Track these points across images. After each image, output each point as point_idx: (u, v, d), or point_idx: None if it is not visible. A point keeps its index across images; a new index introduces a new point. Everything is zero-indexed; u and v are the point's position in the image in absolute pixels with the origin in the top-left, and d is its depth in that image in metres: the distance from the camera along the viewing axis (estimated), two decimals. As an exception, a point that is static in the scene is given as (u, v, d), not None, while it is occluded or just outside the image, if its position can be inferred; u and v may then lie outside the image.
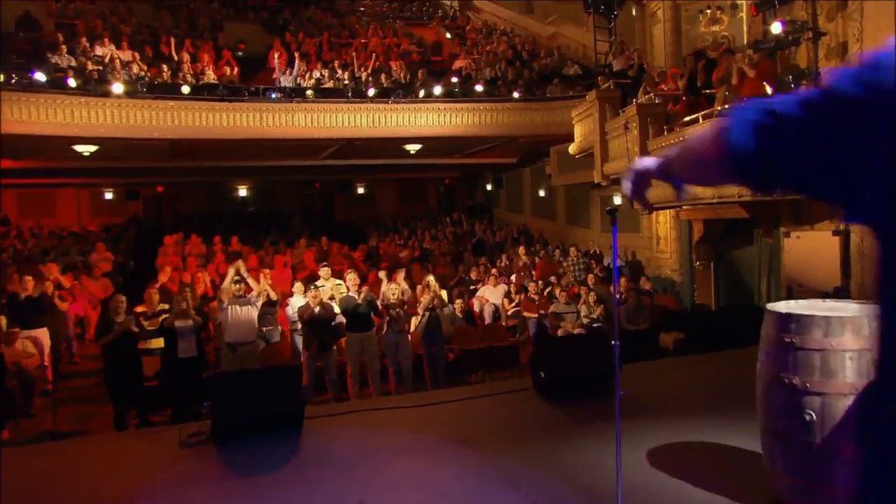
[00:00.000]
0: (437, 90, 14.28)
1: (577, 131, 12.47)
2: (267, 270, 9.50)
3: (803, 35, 6.94)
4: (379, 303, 7.86)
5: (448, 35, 20.02)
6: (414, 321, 8.36)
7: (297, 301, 8.26)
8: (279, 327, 8.56)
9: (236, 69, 14.50)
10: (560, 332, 9.49)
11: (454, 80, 15.04)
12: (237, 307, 7.30)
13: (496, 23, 20.91)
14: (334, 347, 7.84)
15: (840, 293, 6.89)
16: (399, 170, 19.53)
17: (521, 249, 13.41)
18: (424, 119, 13.92)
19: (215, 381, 5.52)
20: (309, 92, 13.29)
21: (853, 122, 0.77)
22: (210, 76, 13.19)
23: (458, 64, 16.55)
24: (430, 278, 8.27)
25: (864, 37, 6.75)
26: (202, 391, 6.52)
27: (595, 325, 9.57)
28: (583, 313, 9.80)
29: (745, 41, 10.42)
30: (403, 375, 7.90)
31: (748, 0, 10.72)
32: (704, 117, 7.98)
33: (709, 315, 9.88)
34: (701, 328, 8.58)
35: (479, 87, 14.59)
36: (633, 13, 13.26)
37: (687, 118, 8.50)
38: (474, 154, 17.83)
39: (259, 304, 7.61)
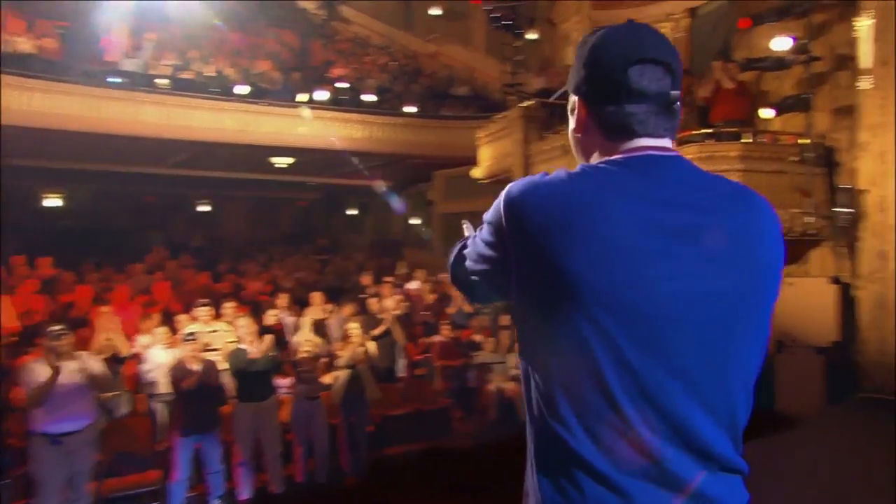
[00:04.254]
0: (322, 96, 12.26)
1: (485, 154, 11.17)
2: (106, 308, 6.86)
3: (798, 57, 6.24)
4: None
5: (321, 41, 18.00)
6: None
7: (158, 356, 5.81)
8: (128, 393, 6.01)
9: (57, 44, 11.27)
10: (491, 388, 7.93)
11: (340, 85, 13.08)
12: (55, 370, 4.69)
13: (369, 36, 19.33)
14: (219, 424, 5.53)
15: (840, 349, 6.12)
16: (256, 186, 16.96)
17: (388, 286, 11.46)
18: (305, 127, 11.82)
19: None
20: (163, 81, 10.59)
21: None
22: (24, 46, 9.97)
23: (337, 72, 14.65)
24: (353, 326, 6.27)
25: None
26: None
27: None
28: (511, 364, 8.33)
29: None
30: (317, 457, 5.80)
31: (673, 30, 10.25)
32: (679, 142, 6.99)
33: None
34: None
35: (370, 97, 12.80)
36: (536, 36, 12.41)
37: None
38: (346, 174, 15.95)
39: (94, 366, 4.96)
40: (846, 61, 6.33)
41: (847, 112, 6.27)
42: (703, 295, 0.97)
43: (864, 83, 5.94)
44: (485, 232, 1.10)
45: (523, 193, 1.02)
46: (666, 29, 10.30)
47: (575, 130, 1.14)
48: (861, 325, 5.95)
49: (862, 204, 5.89)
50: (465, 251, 1.19)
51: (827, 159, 6.39)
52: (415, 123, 13.25)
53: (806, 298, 6.34)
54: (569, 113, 1.16)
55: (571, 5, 11.00)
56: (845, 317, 6.12)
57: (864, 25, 5.99)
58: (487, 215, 1.09)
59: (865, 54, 5.98)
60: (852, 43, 6.22)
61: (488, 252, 1.09)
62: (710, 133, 6.82)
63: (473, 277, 1.17)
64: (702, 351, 0.98)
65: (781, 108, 6.57)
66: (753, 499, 1.06)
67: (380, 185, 17.10)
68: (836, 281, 6.21)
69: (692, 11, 9.88)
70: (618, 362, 0.95)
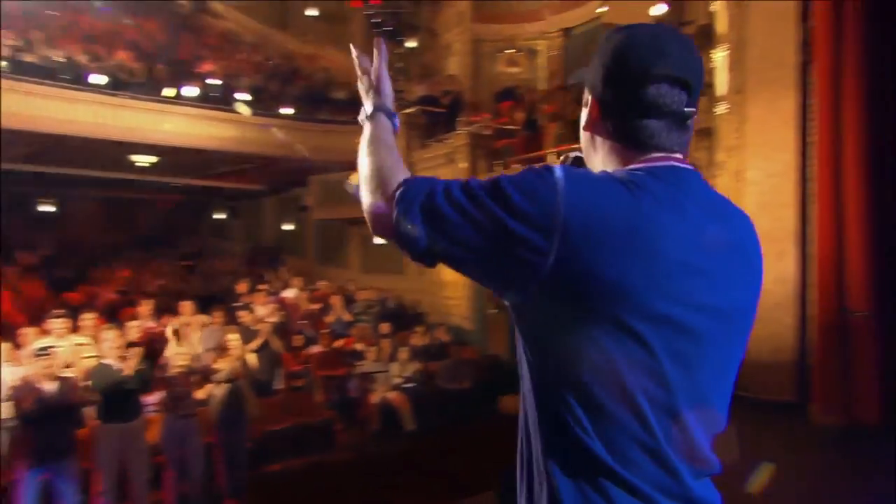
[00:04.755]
0: (191, 92, 11.49)
1: (366, 160, 11.02)
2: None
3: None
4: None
5: (188, 34, 16.90)
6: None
7: (5, 373, 5.09)
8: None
9: None
10: (374, 398, 7.79)
11: (212, 82, 12.33)
12: None
13: (241, 33, 18.44)
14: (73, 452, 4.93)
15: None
16: (111, 186, 15.56)
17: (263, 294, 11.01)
18: (172, 124, 11.01)
19: None
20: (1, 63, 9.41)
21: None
22: None
23: (206, 67, 13.80)
24: (233, 337, 5.85)
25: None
26: None
27: (409, 385, 8.07)
28: (394, 373, 8.24)
29: (545, 86, 10.32)
30: (191, 479, 5.36)
31: (547, 49, 10.75)
32: (559, 155, 7.30)
33: None
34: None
35: (244, 97, 12.18)
36: (416, 44, 12.50)
37: (531, 154, 7.77)
38: (214, 176, 15.09)
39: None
40: (705, 88, 6.93)
41: (706, 134, 6.85)
42: (727, 310, 0.99)
43: (721, 109, 6.53)
44: (507, 202, 0.92)
45: (593, 192, 0.93)
46: (541, 47, 10.81)
47: (584, 128, 1.11)
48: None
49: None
50: (445, 202, 0.96)
51: (690, 176, 6.95)
52: (292, 126, 12.81)
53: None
54: (582, 104, 1.12)
55: (454, 16, 11.18)
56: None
57: (719, 56, 6.59)
58: (515, 185, 0.93)
59: (721, 83, 6.58)
60: (710, 72, 6.82)
61: (509, 226, 0.91)
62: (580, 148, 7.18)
63: (455, 246, 0.95)
64: (717, 365, 0.99)
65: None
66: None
67: (251, 189, 16.38)
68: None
69: (566, 31, 10.41)
70: (655, 378, 0.93)
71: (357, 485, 6.08)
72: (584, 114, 1.11)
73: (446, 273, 11.71)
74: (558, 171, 0.94)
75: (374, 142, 1.18)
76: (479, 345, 10.46)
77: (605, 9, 8.43)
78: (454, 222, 0.94)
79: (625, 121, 1.03)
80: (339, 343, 8.99)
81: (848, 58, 4.86)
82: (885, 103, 4.85)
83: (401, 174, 1.06)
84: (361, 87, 1.35)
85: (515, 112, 8.82)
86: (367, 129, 1.25)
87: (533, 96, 8.83)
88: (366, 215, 1.08)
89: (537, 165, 0.99)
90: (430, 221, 0.96)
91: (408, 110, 10.04)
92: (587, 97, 1.10)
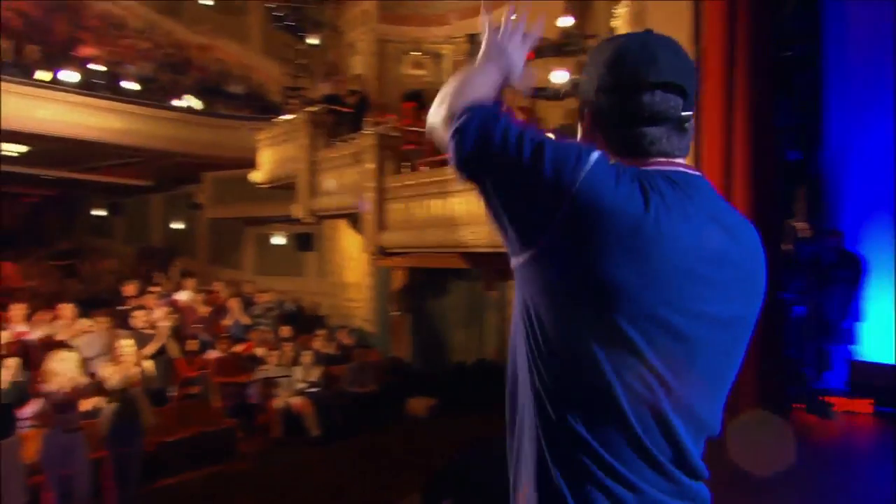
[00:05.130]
0: (70, 77, 10.56)
1: (266, 157, 10.64)
2: None
3: (572, 91, 6.99)
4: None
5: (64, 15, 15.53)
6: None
7: None
8: None
9: None
10: (277, 404, 7.50)
11: (95, 68, 11.39)
12: None
13: (125, 17, 17.20)
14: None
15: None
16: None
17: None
18: (47, 111, 10.07)
19: None
20: None
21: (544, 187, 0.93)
22: None
23: (86, 51, 12.75)
24: (127, 343, 5.39)
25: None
26: None
27: (313, 390, 7.84)
28: (297, 377, 7.98)
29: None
30: (76, 499, 4.88)
31: (453, 53, 10.85)
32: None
33: (456, 372, 9.11)
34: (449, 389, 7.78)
35: (132, 85, 11.37)
36: (319, 41, 12.22)
37: (439, 157, 7.78)
38: (93, 169, 14.00)
39: None
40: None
41: (606, 142, 7.18)
42: (726, 320, 0.99)
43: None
44: (539, 158, 0.94)
45: (610, 185, 0.92)
46: (447, 51, 10.90)
47: (582, 140, 1.11)
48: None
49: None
50: (498, 125, 0.99)
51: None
52: (184, 119, 12.12)
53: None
54: (578, 118, 1.12)
55: (359, 15, 11.02)
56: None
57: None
58: (553, 150, 0.94)
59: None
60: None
61: (529, 181, 0.94)
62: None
63: (489, 167, 0.99)
64: (711, 373, 1.00)
65: (559, 134, 7.31)
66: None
67: (136, 184, 15.30)
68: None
69: (472, 37, 10.55)
70: (641, 380, 0.94)
71: (259, 495, 5.83)
72: (580, 127, 1.12)
73: (348, 274, 11.54)
74: (593, 156, 0.94)
75: (472, 77, 1.15)
76: (382, 348, 10.37)
77: (512, 17, 8.61)
78: (496, 144, 0.97)
79: (624, 130, 1.03)
80: (238, 348, 8.59)
81: (738, 79, 5.26)
82: (769, 124, 5.30)
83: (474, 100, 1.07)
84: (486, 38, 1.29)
85: (422, 115, 8.81)
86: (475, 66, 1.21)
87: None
88: (432, 119, 1.12)
89: (584, 144, 1.01)
90: (483, 135, 0.99)
91: (312, 108, 9.77)
92: (582, 109, 1.10)
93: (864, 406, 5.04)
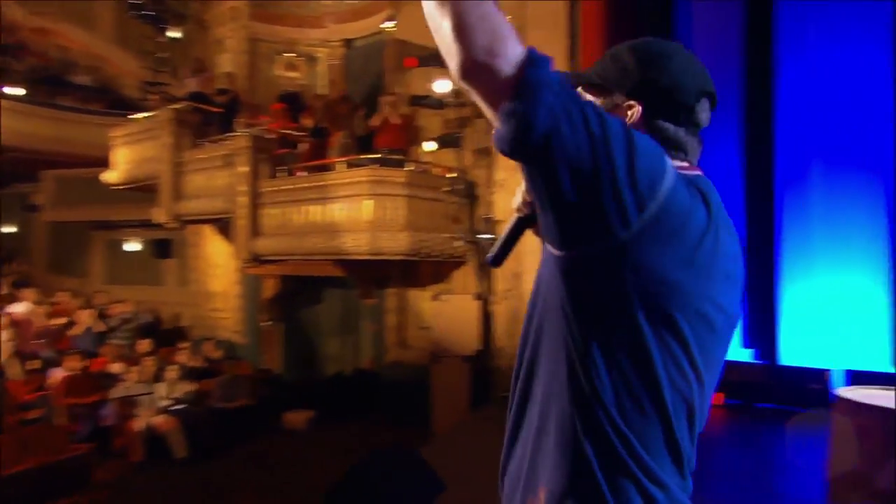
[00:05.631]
0: None
1: (122, 156, 9.77)
2: None
3: (452, 100, 7.13)
4: None
5: None
6: None
7: None
8: None
9: None
10: (137, 425, 6.89)
11: None
12: None
13: (-57, -10, 15.08)
14: None
15: (482, 357, 7.07)
16: None
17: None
18: None
19: None
20: None
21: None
22: None
23: None
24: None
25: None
26: None
27: (179, 408, 7.29)
28: (161, 394, 7.37)
29: (325, 94, 10.22)
30: None
31: (328, 57, 10.65)
32: (350, 165, 7.25)
33: (334, 383, 8.81)
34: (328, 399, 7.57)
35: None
36: (180, 34, 11.47)
37: (317, 162, 7.60)
38: None
39: None
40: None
41: (485, 153, 7.38)
42: (734, 314, 1.06)
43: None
44: (632, 151, 0.88)
45: (684, 197, 0.93)
46: (322, 54, 10.70)
47: None
48: (497, 335, 7.03)
49: (499, 232, 7.01)
50: (580, 105, 0.88)
51: (470, 192, 7.40)
52: (19, 109, 10.86)
53: (456, 313, 7.21)
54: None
55: (228, 12, 10.49)
56: (484, 328, 7.15)
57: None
58: (641, 140, 0.90)
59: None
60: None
61: (618, 175, 0.87)
62: (376, 158, 7.27)
63: (565, 157, 0.86)
64: (720, 364, 1.07)
65: (440, 143, 7.40)
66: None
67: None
68: (478, 297, 7.21)
69: (348, 42, 10.44)
70: (682, 373, 0.97)
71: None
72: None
73: (213, 283, 10.90)
74: (668, 161, 0.95)
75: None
76: (252, 359, 9.87)
77: (391, 23, 8.65)
78: (580, 129, 0.86)
79: (668, 129, 1.07)
80: (89, 364, 7.78)
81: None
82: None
83: (516, 38, 0.88)
84: None
85: (302, 118, 8.54)
86: None
87: (318, 103, 8.64)
88: (457, 50, 0.86)
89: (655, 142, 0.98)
90: (562, 113, 0.85)
91: (176, 105, 9.13)
92: (612, 101, 1.11)
93: (718, 399, 5.58)
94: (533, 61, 0.86)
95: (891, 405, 2.64)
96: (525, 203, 1.21)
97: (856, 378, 5.20)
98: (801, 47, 5.59)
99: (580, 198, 0.87)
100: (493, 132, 0.90)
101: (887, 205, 5.24)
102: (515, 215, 1.25)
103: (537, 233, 1.28)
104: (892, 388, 2.96)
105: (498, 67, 0.85)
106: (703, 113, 1.09)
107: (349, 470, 3.59)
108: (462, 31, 0.84)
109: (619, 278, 0.92)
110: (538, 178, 0.90)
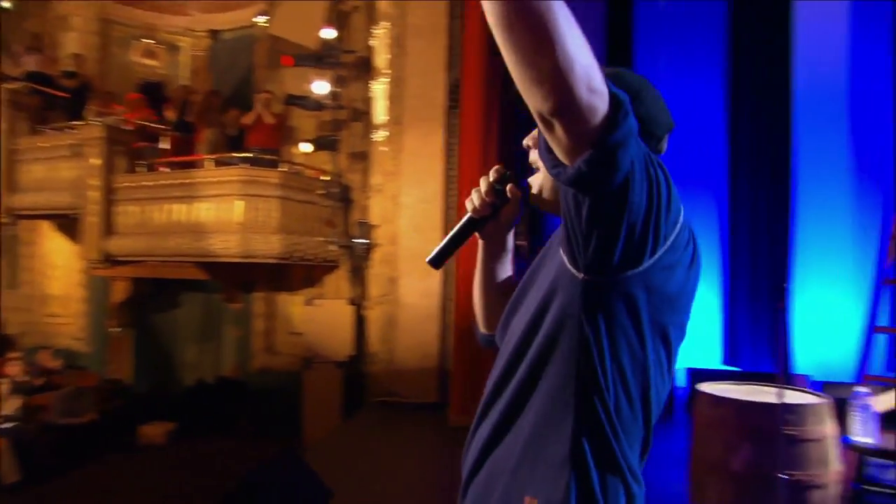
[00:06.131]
0: None
1: (-59, 139, 8.53)
2: None
3: (330, 103, 7.00)
4: None
5: None
6: None
7: None
8: None
9: None
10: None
11: None
12: None
13: None
14: None
15: (354, 362, 6.99)
16: None
17: None
18: None
19: None
20: None
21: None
22: None
23: None
24: None
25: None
26: None
27: (9, 426, 6.49)
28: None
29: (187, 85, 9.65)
30: None
31: (191, 47, 10.05)
32: (218, 163, 6.88)
33: (195, 392, 8.21)
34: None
35: None
36: (11, 5, 10.26)
37: (183, 158, 7.14)
38: None
39: None
40: (361, 115, 7.44)
41: (361, 157, 7.34)
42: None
43: (379, 136, 7.10)
44: (662, 187, 0.93)
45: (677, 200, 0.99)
46: (185, 44, 10.09)
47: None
48: (371, 340, 6.99)
49: (374, 237, 7.00)
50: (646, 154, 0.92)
51: (345, 195, 7.33)
52: None
53: (328, 318, 7.08)
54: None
55: (76, -14, 9.54)
56: (357, 333, 7.10)
57: (379, 87, 7.18)
58: (666, 178, 0.95)
59: (379, 111, 7.15)
60: (367, 100, 7.37)
61: (658, 215, 0.93)
62: (248, 157, 6.97)
63: (632, 199, 0.88)
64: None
65: (316, 146, 7.23)
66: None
67: None
68: (352, 302, 7.14)
69: (214, 33, 9.91)
70: (664, 379, 1.07)
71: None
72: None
73: (51, 286, 9.86)
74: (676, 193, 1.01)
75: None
76: (98, 369, 9.02)
77: (263, 18, 8.36)
78: (642, 173, 0.90)
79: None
80: None
81: (494, 104, 5.86)
82: (517, 149, 5.99)
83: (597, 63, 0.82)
84: None
85: (164, 110, 7.97)
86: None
87: (183, 95, 8.12)
88: (559, 87, 0.79)
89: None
90: (637, 157, 0.88)
91: (10, 86, 8.15)
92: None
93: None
94: (621, 103, 0.83)
95: (744, 398, 3.02)
96: (485, 204, 1.21)
97: (695, 375, 5.81)
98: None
99: (628, 231, 0.91)
100: (565, 167, 0.88)
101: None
102: (468, 215, 1.23)
103: (483, 236, 1.31)
104: (746, 383, 3.37)
105: (597, 106, 0.81)
106: (664, 143, 1.16)
107: (237, 483, 3.41)
108: (568, 66, 0.77)
109: (634, 297, 0.98)
110: (594, 211, 0.90)
